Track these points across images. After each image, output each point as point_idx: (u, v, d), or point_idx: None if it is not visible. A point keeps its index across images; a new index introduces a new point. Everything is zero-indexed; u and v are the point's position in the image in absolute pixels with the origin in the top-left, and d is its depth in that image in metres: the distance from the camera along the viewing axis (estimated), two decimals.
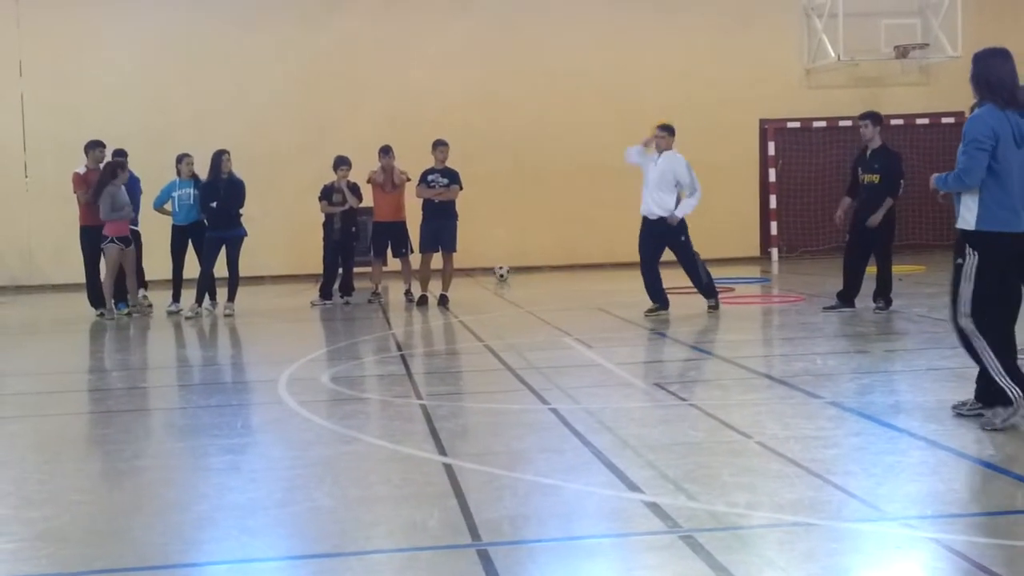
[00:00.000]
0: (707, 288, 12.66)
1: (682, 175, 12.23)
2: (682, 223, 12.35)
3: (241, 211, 13.99)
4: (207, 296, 13.99)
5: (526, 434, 6.73)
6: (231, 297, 13.90)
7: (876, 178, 11.91)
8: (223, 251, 13.85)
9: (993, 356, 6.31)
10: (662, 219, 12.25)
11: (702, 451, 6.19)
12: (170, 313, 14.09)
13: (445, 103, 19.97)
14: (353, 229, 15.17)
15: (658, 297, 12.35)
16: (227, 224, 13.84)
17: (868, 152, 12.13)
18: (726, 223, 19.57)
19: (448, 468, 5.85)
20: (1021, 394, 6.24)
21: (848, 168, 13.38)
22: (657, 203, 12.27)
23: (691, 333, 11.48)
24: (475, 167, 18.44)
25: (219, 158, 13.90)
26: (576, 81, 20.51)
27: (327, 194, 14.96)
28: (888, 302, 12.06)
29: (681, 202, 12.30)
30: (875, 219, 11.82)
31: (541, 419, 7.17)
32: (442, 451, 6.27)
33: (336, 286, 15.13)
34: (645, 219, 12.44)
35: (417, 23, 20.39)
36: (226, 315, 13.73)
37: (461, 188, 14.60)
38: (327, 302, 14.90)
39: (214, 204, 13.77)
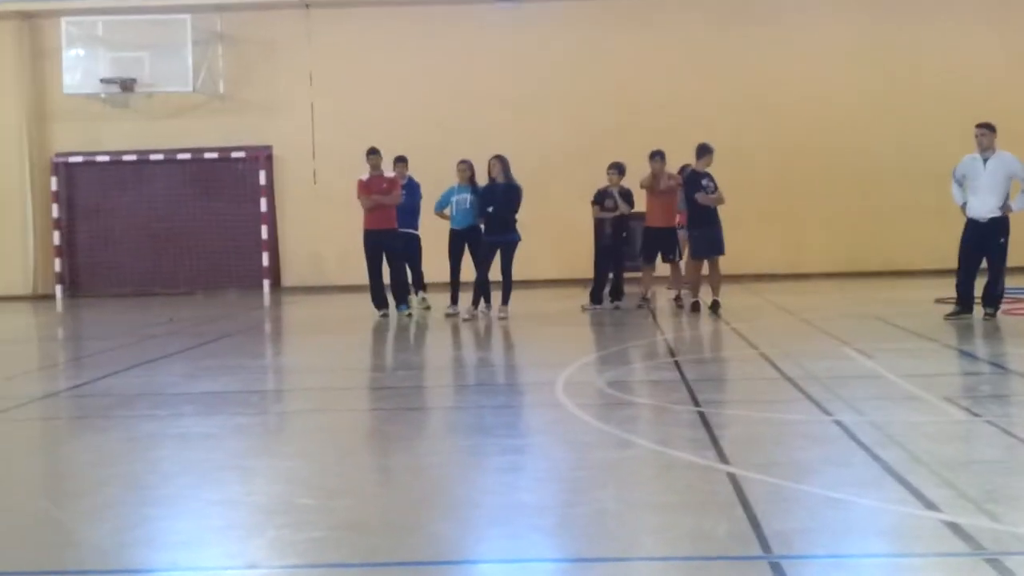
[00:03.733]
0: (997, 296, 12.12)
1: (1018, 170, 12.08)
2: (1005, 225, 12.03)
3: (516, 216, 14.27)
4: (482, 299, 14.35)
5: (810, 445, 6.58)
6: (505, 301, 14.20)
7: None
8: (498, 255, 14.18)
9: None
10: (994, 220, 11.98)
11: (1003, 471, 5.88)
12: (448, 315, 14.56)
13: (717, 110, 19.84)
14: (624, 234, 15.24)
15: (966, 301, 12.07)
16: (502, 229, 14.14)
17: None
18: None
19: (732, 477, 5.78)
20: None
21: None
22: (991, 204, 12.07)
23: (979, 345, 10.93)
24: (746, 173, 18.22)
25: (496, 164, 14.20)
26: (848, 88, 19.98)
27: (600, 199, 15.09)
28: None
29: (1018, 195, 12.10)
30: None
31: (825, 431, 6.99)
32: (724, 459, 6.20)
33: (607, 291, 15.24)
34: (974, 222, 12.20)
35: (687, 34, 20.36)
36: (500, 318, 14.06)
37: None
38: (598, 307, 15.03)
39: (490, 209, 14.12)
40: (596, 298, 15.18)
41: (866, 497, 5.35)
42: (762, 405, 8.07)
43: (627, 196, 15.03)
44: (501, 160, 14.18)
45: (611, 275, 15.27)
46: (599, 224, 15.16)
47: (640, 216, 15.56)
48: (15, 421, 8.30)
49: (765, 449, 6.58)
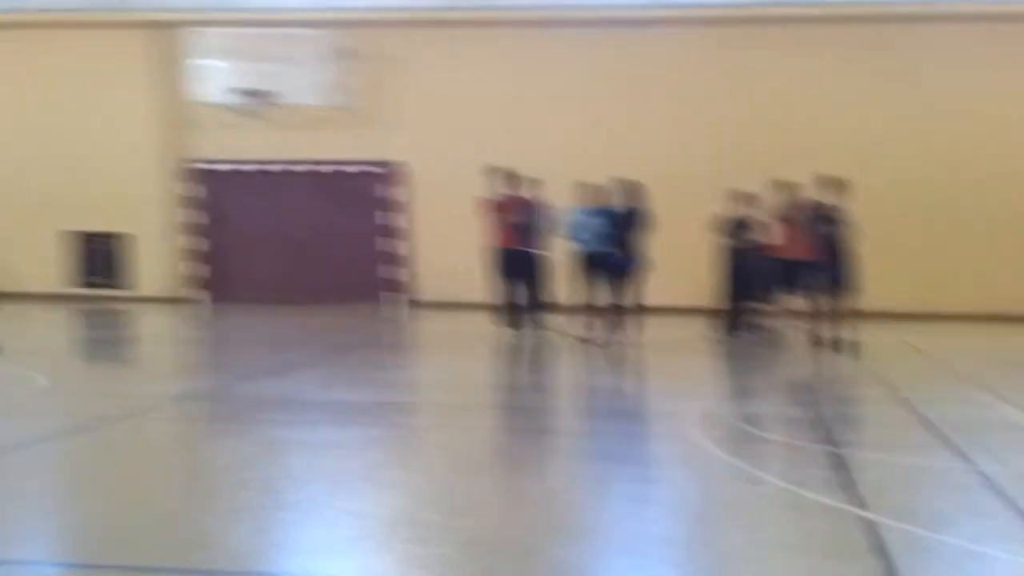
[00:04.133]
0: None
1: None
2: None
3: (641, 241, 14.13)
4: (614, 325, 14.24)
5: (950, 494, 6.36)
6: (630, 327, 14.05)
7: None
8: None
9: None
10: None
11: None
12: (578, 339, 14.53)
13: (850, 138, 19.50)
14: (759, 264, 15.01)
15: None
16: (626, 254, 13.97)
17: None
18: None
19: (867, 523, 5.62)
20: None
21: None
22: None
23: None
24: (883, 208, 17.81)
25: (621, 186, 14.07)
26: (1005, 115, 19.40)
27: (733, 228, 14.92)
28: None
29: None
30: None
31: (966, 480, 6.75)
32: (860, 503, 6.03)
33: (742, 321, 15.03)
34: None
35: (824, 61, 20.07)
36: (628, 345, 13.91)
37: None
38: (730, 338, 14.83)
39: (611, 233, 14.01)
40: (728, 329, 14.98)
41: (1008, 552, 5.15)
42: (901, 449, 7.83)
43: (761, 226, 14.83)
44: (626, 183, 14.10)
45: (743, 306, 15.05)
46: (731, 253, 14.98)
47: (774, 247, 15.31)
48: (155, 422, 8.55)
49: (903, 495, 6.38)
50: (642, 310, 14.29)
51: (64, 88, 21.94)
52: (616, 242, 14.14)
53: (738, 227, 14.82)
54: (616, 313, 14.22)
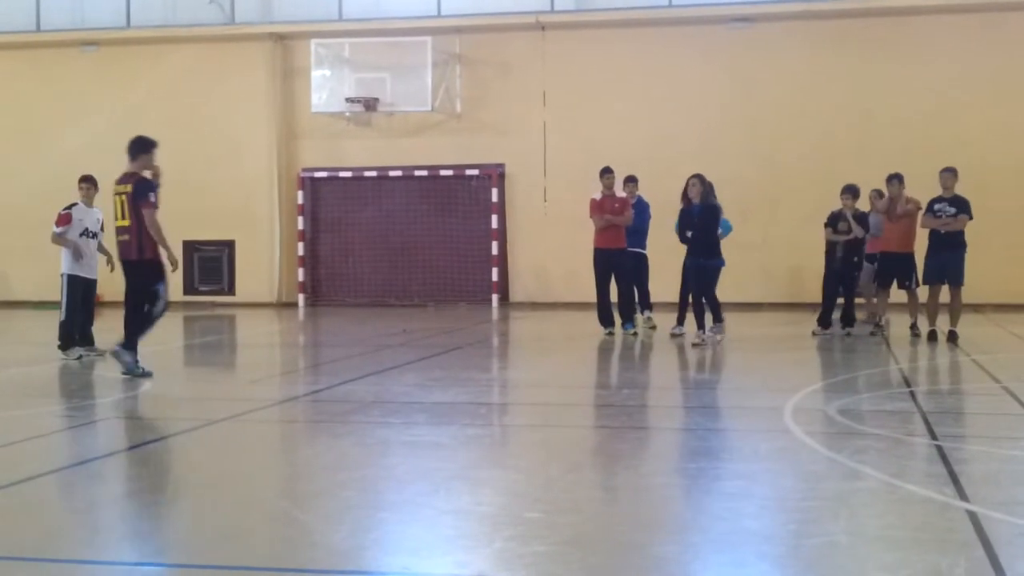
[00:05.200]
0: None
1: None
2: None
3: (719, 239, 13.90)
4: (709, 321, 14.08)
5: None
6: (714, 322, 13.89)
7: None
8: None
9: None
10: None
11: None
12: (672, 335, 14.49)
13: (955, 130, 19.12)
14: (856, 259, 14.80)
15: None
16: (705, 253, 13.77)
17: None
18: None
19: (971, 515, 5.54)
20: None
21: None
22: None
23: None
24: (991, 199, 17.44)
25: (696, 184, 13.73)
26: None
27: (833, 222, 14.74)
28: None
29: None
30: None
31: None
32: (963, 496, 5.94)
33: (837, 316, 14.84)
34: None
35: (931, 55, 19.73)
36: (713, 341, 13.73)
37: (970, 218, 13.80)
38: (827, 332, 14.66)
39: (689, 233, 13.79)
40: (825, 323, 14.81)
41: None
42: (1005, 442, 7.69)
43: (861, 219, 14.62)
44: (701, 180, 13.78)
45: (843, 300, 14.85)
46: (831, 247, 14.79)
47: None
48: (259, 423, 8.75)
49: (1008, 488, 6.27)
50: (718, 304, 14.02)
51: (183, 102, 22.49)
52: (689, 241, 13.83)
53: (839, 220, 14.63)
54: (701, 310, 13.92)
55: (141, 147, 10.98)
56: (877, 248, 14.83)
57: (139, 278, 10.86)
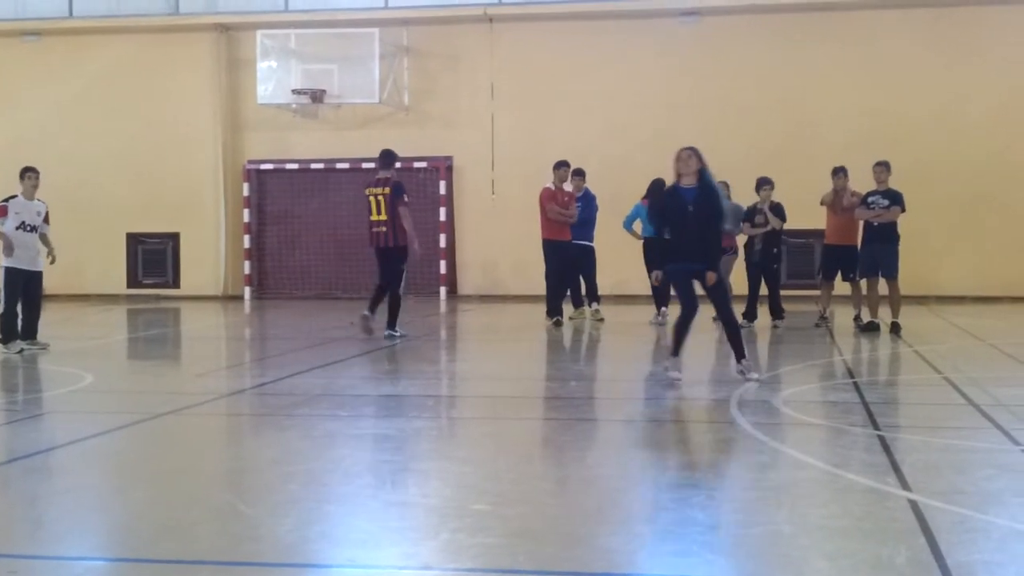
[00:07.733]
0: None
1: None
2: None
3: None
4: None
5: (997, 475, 6.33)
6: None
7: None
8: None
9: None
10: None
11: None
12: (652, 324, 14.71)
13: (900, 124, 19.34)
14: (775, 250, 14.93)
15: None
16: (700, 255, 13.72)
17: None
18: None
19: (913, 504, 5.61)
20: None
21: None
22: None
23: None
24: (932, 193, 17.68)
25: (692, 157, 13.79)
26: None
27: (749, 215, 14.87)
28: None
29: None
30: None
31: (1013, 460, 6.73)
32: (905, 486, 6.02)
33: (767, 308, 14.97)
34: None
35: (870, 48, 19.95)
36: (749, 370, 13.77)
37: (903, 210, 13.95)
38: (751, 323, 14.70)
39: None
40: (749, 315, 14.86)
41: None
42: (946, 431, 7.80)
43: (777, 211, 14.76)
44: (695, 153, 13.72)
45: (767, 292, 14.92)
46: (749, 241, 14.94)
47: (819, 233, 15.25)
48: (204, 416, 8.67)
49: (949, 477, 6.36)
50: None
51: (126, 92, 22.21)
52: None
53: (756, 213, 14.76)
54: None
55: (392, 158, 13.65)
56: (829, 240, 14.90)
57: (392, 263, 13.48)
